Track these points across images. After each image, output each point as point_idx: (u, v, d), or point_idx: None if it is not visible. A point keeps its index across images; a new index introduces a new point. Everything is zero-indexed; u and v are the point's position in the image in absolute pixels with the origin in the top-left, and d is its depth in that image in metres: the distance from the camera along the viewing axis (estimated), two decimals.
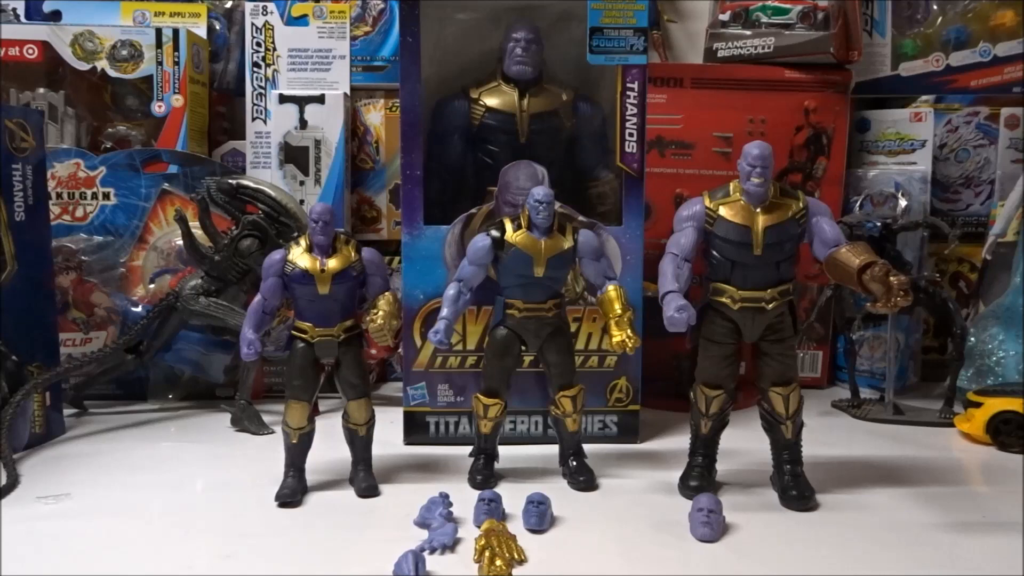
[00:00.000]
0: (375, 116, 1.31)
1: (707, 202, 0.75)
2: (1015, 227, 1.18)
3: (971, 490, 0.85)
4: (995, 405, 0.96)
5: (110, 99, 1.28)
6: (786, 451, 0.79)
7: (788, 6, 1.22)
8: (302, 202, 1.20)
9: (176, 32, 1.23)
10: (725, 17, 1.27)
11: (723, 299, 0.77)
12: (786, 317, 0.78)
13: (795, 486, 0.77)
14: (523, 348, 0.83)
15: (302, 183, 1.24)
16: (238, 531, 0.71)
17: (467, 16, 1.01)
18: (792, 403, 0.78)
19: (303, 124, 1.24)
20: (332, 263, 0.78)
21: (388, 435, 0.94)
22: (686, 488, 0.79)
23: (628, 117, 0.93)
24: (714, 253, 0.76)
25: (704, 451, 0.81)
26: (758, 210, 0.74)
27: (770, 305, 0.76)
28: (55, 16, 1.27)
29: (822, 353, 1.27)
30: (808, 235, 0.76)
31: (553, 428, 0.86)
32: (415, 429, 0.96)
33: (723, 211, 0.75)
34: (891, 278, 0.67)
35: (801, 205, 0.75)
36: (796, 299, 0.78)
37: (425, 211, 0.94)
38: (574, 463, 0.84)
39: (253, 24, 1.28)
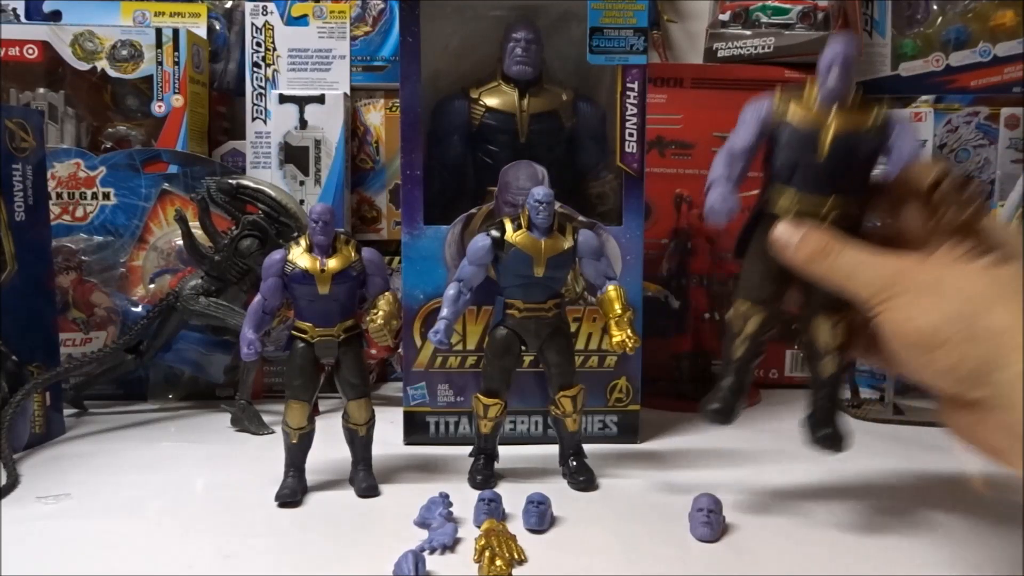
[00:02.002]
0: (375, 116, 1.31)
1: (778, 98, 0.64)
2: (1015, 227, 1.18)
3: (971, 490, 0.85)
4: None
5: (110, 99, 1.28)
6: (824, 388, 0.68)
7: (788, 6, 1.22)
8: (302, 202, 1.20)
9: (176, 32, 1.23)
10: (725, 17, 1.27)
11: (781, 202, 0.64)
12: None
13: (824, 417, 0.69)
14: (523, 348, 0.83)
15: (302, 183, 1.24)
16: (238, 531, 0.71)
17: (467, 16, 1.01)
18: (838, 333, 0.65)
19: (303, 124, 1.24)
20: (332, 263, 0.78)
21: (388, 435, 0.94)
22: (706, 411, 0.69)
23: (628, 117, 0.94)
24: (778, 153, 0.64)
25: (735, 376, 0.70)
26: (831, 113, 0.61)
27: (831, 215, 0.62)
28: (55, 16, 1.27)
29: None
30: (885, 148, 0.62)
31: (553, 428, 0.86)
32: (415, 429, 0.96)
33: (794, 109, 0.62)
34: (969, 190, 0.58)
35: (882, 116, 0.61)
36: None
37: (425, 211, 0.94)
38: (574, 463, 0.84)
39: (253, 24, 1.28)
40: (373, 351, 1.06)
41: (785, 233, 0.61)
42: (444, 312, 0.81)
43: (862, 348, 0.66)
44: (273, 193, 1.09)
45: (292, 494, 0.77)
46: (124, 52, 1.23)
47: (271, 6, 1.28)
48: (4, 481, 0.82)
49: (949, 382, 0.51)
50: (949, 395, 0.52)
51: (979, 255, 0.53)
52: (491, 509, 0.72)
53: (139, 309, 1.15)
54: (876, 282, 0.53)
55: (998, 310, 0.47)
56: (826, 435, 0.69)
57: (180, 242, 1.11)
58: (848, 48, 0.60)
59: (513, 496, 0.74)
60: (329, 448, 0.84)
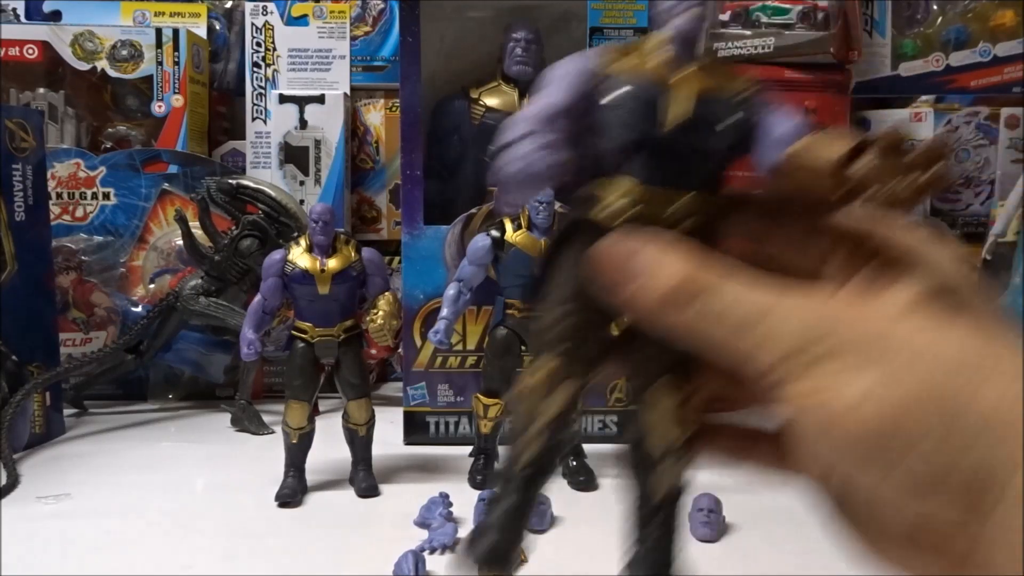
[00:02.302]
0: (375, 116, 1.31)
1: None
2: (1015, 227, 1.18)
3: None
4: None
5: (110, 99, 1.28)
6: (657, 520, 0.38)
7: (788, 6, 1.22)
8: (302, 202, 1.20)
9: (176, 32, 1.23)
10: (725, 17, 1.27)
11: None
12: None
13: None
14: (523, 348, 0.83)
15: (302, 183, 1.24)
16: (238, 531, 0.71)
17: (467, 16, 1.01)
18: (688, 422, 0.37)
19: (303, 124, 1.24)
20: (332, 263, 0.78)
21: (388, 435, 0.94)
22: (473, 556, 0.38)
23: None
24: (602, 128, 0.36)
25: (519, 493, 0.38)
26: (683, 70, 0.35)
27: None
28: (55, 16, 1.27)
29: None
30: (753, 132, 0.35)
31: None
32: (415, 429, 0.96)
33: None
34: (918, 149, 0.30)
35: (749, 85, 0.36)
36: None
37: (425, 211, 0.94)
38: (574, 463, 0.84)
39: (253, 24, 1.28)
40: (373, 351, 1.06)
41: (618, 253, 0.32)
42: (444, 312, 0.81)
43: (733, 446, 0.37)
44: (273, 193, 1.09)
45: (292, 494, 0.77)
46: (124, 52, 1.23)
47: (271, 6, 1.28)
48: (4, 481, 0.82)
49: (916, 505, 0.28)
50: (908, 527, 0.29)
51: (893, 280, 0.30)
52: None
53: (139, 309, 1.15)
54: (786, 338, 0.29)
55: (990, 387, 0.27)
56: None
57: (180, 242, 1.11)
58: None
59: None
60: (329, 448, 0.84)
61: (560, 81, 0.35)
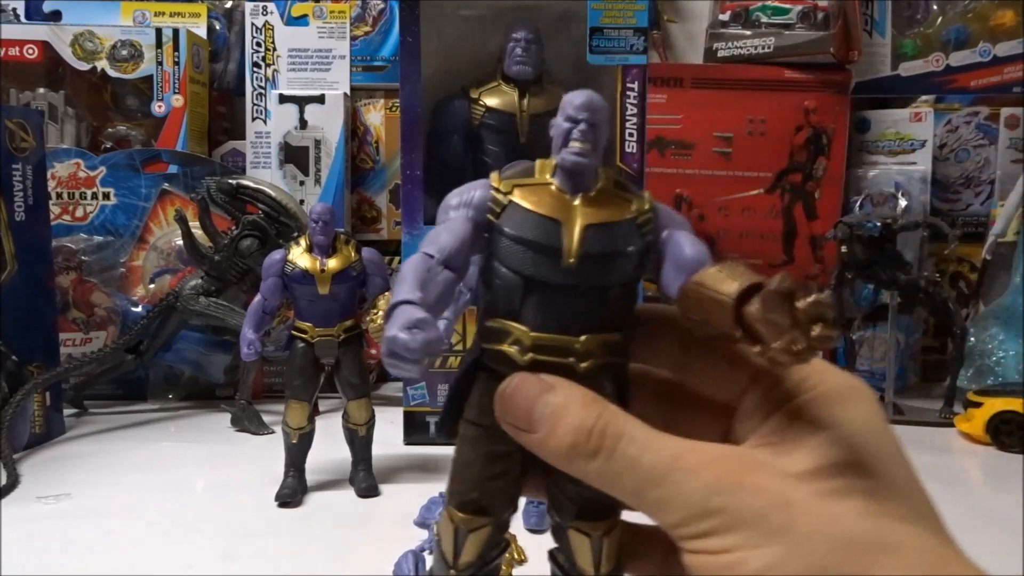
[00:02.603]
0: (375, 116, 1.31)
1: (495, 182, 0.34)
2: (1015, 227, 1.18)
3: (971, 490, 0.85)
4: (995, 405, 0.96)
5: (110, 99, 1.28)
6: None
7: (788, 6, 1.22)
8: (302, 202, 1.20)
9: (176, 32, 1.23)
10: (725, 17, 1.27)
11: (504, 347, 0.33)
12: (608, 386, 0.33)
13: None
14: None
15: (302, 183, 1.24)
16: (238, 531, 0.71)
17: (467, 16, 1.01)
18: (607, 554, 0.34)
19: (303, 124, 1.24)
20: (332, 263, 0.78)
21: (388, 435, 0.94)
22: None
23: (628, 117, 0.94)
24: (497, 266, 0.33)
25: None
26: (577, 200, 0.33)
27: (584, 363, 0.32)
28: (55, 16, 1.27)
29: (822, 353, 1.27)
30: (656, 258, 0.34)
31: None
32: (415, 429, 0.96)
33: (519, 196, 0.33)
34: (798, 304, 0.27)
35: (646, 206, 0.33)
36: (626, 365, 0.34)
37: (425, 211, 0.94)
38: None
39: (253, 24, 1.28)
40: (373, 351, 1.06)
41: (520, 400, 0.31)
42: (444, 312, 0.81)
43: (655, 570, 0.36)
44: (273, 193, 1.09)
45: (292, 494, 0.77)
46: (124, 52, 1.23)
47: (271, 6, 1.28)
48: (4, 481, 0.82)
49: None
50: None
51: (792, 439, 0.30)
52: None
53: (139, 309, 1.15)
54: (688, 501, 0.28)
55: (882, 568, 0.27)
56: None
57: (180, 242, 1.11)
58: (596, 101, 0.33)
59: None
60: (329, 448, 0.84)
61: (449, 221, 0.34)
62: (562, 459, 0.30)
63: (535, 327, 0.32)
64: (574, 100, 0.33)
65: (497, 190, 0.33)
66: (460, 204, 0.34)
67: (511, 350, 0.32)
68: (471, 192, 0.33)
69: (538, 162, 0.34)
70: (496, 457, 0.33)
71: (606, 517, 0.34)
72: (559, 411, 0.30)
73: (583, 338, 0.32)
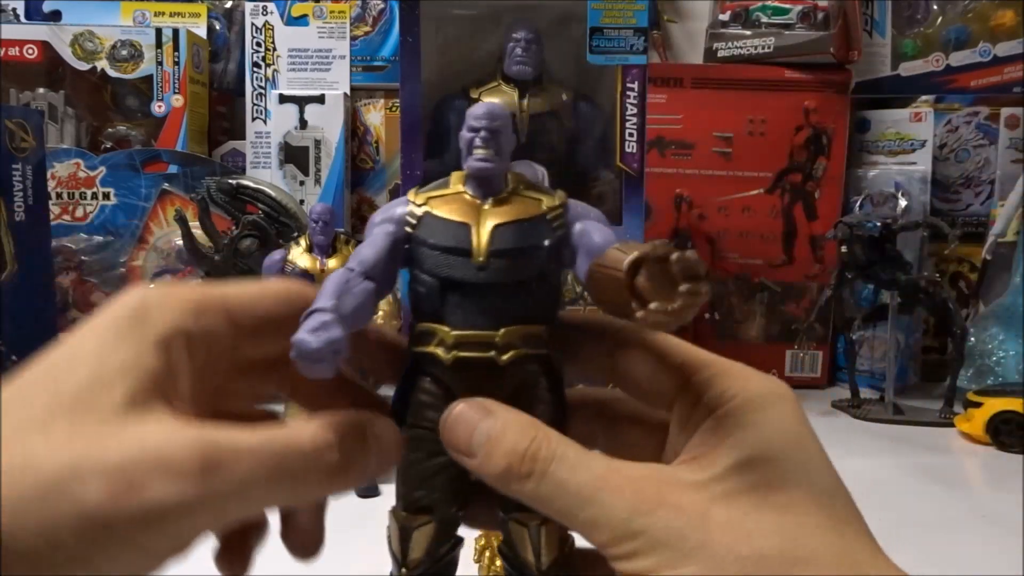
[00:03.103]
0: (375, 116, 1.31)
1: (412, 196, 0.36)
2: (1015, 227, 1.18)
3: (971, 490, 0.85)
4: (995, 405, 0.96)
5: (110, 99, 1.28)
6: None
7: (788, 6, 1.22)
8: (302, 202, 1.20)
9: (176, 32, 1.23)
10: (725, 17, 1.27)
11: (431, 348, 0.35)
12: (540, 381, 0.35)
13: None
14: None
15: (302, 183, 1.24)
16: None
17: (467, 16, 1.01)
18: (546, 543, 0.35)
19: (303, 124, 1.24)
20: (332, 263, 0.78)
21: None
22: None
23: (628, 117, 0.94)
24: (418, 273, 0.36)
25: None
26: (487, 204, 0.36)
27: (505, 355, 0.33)
28: (55, 16, 1.27)
29: (822, 353, 1.27)
30: (570, 251, 0.36)
31: None
32: None
33: (434, 207, 0.36)
34: (672, 261, 0.27)
35: (557, 202, 0.36)
36: (559, 359, 0.35)
37: None
38: None
39: (253, 24, 1.28)
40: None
41: (460, 428, 0.32)
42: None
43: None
44: (273, 193, 1.09)
45: None
46: (124, 52, 1.23)
47: (271, 6, 1.28)
48: None
49: None
50: None
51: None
52: None
53: None
54: (612, 522, 0.29)
55: None
56: None
57: (180, 242, 1.10)
58: (495, 109, 0.37)
59: None
60: None
61: (371, 236, 0.35)
62: (499, 482, 0.31)
63: (456, 325, 0.33)
64: (475, 111, 0.36)
65: (414, 203, 0.35)
66: (383, 220, 0.36)
67: (437, 350, 0.34)
68: (392, 209, 0.36)
69: (453, 175, 0.37)
70: (435, 453, 0.35)
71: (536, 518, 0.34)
72: (495, 436, 0.31)
73: (502, 331, 0.33)
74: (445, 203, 0.36)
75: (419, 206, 0.35)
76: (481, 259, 0.33)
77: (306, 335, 0.30)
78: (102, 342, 0.28)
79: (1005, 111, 1.28)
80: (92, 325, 0.29)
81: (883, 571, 0.29)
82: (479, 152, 0.36)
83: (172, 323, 0.29)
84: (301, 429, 0.29)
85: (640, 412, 0.35)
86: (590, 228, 0.35)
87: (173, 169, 1.17)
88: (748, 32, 1.24)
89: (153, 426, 0.26)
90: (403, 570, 0.38)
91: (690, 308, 0.27)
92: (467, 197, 0.36)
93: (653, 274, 0.28)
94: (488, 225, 0.34)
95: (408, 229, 0.35)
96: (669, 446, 0.33)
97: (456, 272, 0.34)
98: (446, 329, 0.34)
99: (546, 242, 0.34)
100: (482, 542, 0.65)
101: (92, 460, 0.25)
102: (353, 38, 1.30)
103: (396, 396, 0.37)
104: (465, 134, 0.36)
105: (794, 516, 0.28)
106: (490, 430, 0.31)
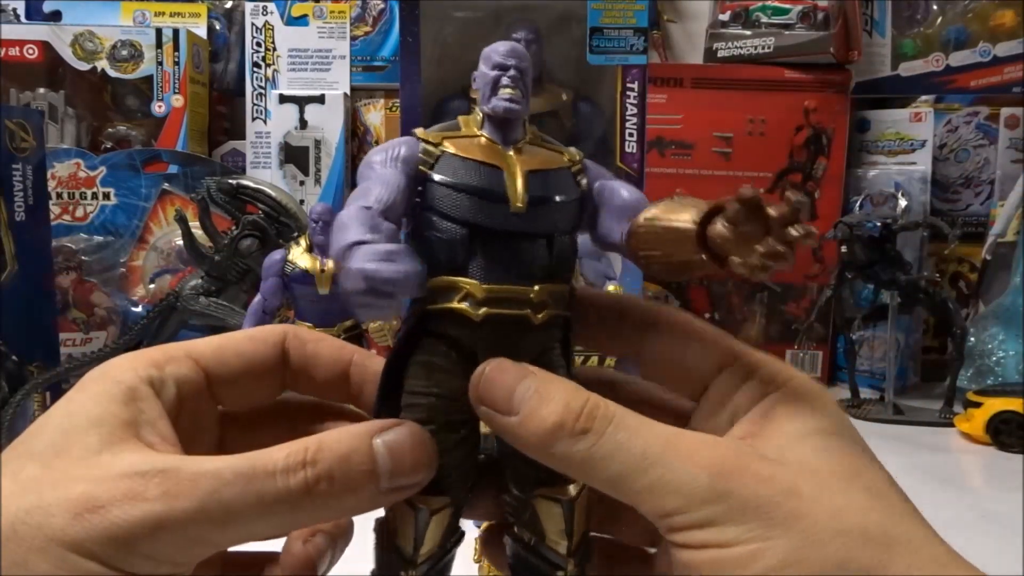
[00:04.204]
0: (375, 116, 1.31)
1: (422, 134, 0.31)
2: (1015, 227, 1.18)
3: (971, 490, 0.85)
4: (995, 405, 0.96)
5: (110, 99, 1.28)
6: None
7: (788, 6, 1.22)
8: (302, 202, 1.20)
9: (176, 32, 1.23)
10: (725, 17, 1.27)
11: (455, 304, 0.29)
12: (556, 347, 0.31)
13: None
14: None
15: (302, 183, 1.24)
16: None
17: (467, 15, 1.01)
18: (579, 521, 0.31)
19: (303, 124, 1.24)
20: (332, 263, 0.78)
21: None
22: None
23: (628, 117, 0.94)
24: (435, 219, 0.29)
25: None
26: (510, 150, 0.30)
27: (540, 314, 0.29)
28: (55, 16, 1.27)
29: (822, 353, 1.27)
30: (591, 208, 0.32)
31: None
32: None
33: (451, 146, 0.30)
34: (770, 211, 0.25)
35: (578, 157, 0.32)
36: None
37: None
38: None
39: (253, 24, 1.28)
40: (373, 351, 1.06)
41: (499, 384, 0.28)
42: None
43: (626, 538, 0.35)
44: (273, 193, 1.09)
45: None
46: (124, 52, 1.23)
47: (271, 6, 1.28)
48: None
49: None
50: None
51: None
52: None
53: (139, 309, 1.15)
54: (682, 488, 0.26)
55: (898, 560, 0.25)
56: None
57: (180, 242, 1.11)
58: (520, 49, 0.31)
59: None
60: None
61: (377, 174, 0.29)
62: (542, 440, 0.28)
63: (487, 279, 0.29)
64: (498, 47, 0.31)
65: (427, 141, 0.30)
66: (386, 160, 0.30)
67: (463, 306, 0.29)
68: (396, 148, 0.30)
69: (460, 118, 0.32)
70: (455, 425, 0.31)
71: (572, 479, 0.31)
72: (544, 392, 0.28)
73: (537, 288, 0.29)
74: (462, 145, 0.30)
75: (434, 144, 0.30)
76: (520, 205, 0.29)
77: (374, 264, 0.25)
78: (72, 405, 0.28)
79: (1005, 111, 1.28)
80: (63, 398, 0.29)
81: (968, 569, 0.26)
82: (507, 92, 0.30)
83: (134, 376, 0.29)
84: (275, 450, 0.27)
85: (651, 395, 0.33)
86: (616, 186, 0.32)
87: (173, 169, 1.17)
88: (748, 32, 1.24)
89: (125, 456, 0.26)
90: (411, 571, 0.32)
91: (794, 251, 0.25)
92: (484, 141, 0.30)
93: (740, 220, 0.26)
94: (520, 170, 0.29)
95: (423, 168, 0.30)
96: (697, 425, 0.30)
97: (489, 219, 0.29)
98: (474, 282, 0.29)
99: (573, 196, 0.31)
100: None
101: (58, 492, 0.25)
102: (353, 38, 1.30)
103: (391, 365, 0.31)
104: (489, 72, 0.31)
105: (883, 499, 0.27)
106: (539, 386, 0.28)
